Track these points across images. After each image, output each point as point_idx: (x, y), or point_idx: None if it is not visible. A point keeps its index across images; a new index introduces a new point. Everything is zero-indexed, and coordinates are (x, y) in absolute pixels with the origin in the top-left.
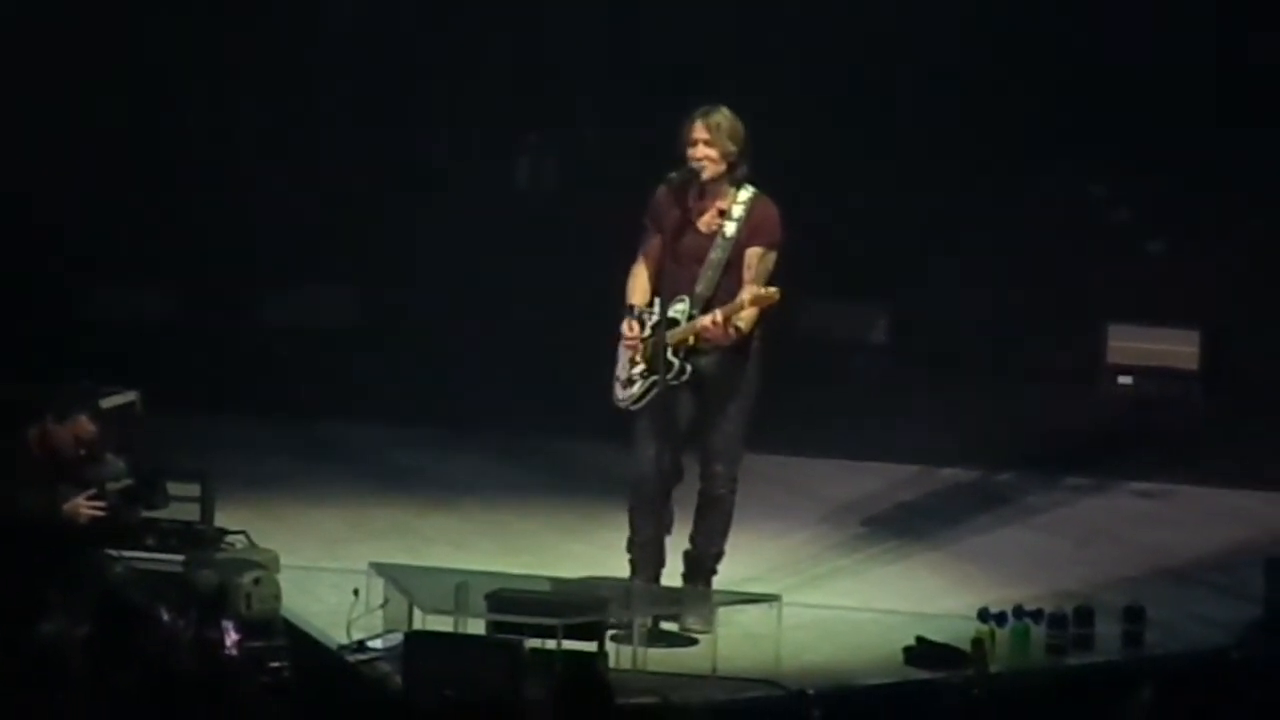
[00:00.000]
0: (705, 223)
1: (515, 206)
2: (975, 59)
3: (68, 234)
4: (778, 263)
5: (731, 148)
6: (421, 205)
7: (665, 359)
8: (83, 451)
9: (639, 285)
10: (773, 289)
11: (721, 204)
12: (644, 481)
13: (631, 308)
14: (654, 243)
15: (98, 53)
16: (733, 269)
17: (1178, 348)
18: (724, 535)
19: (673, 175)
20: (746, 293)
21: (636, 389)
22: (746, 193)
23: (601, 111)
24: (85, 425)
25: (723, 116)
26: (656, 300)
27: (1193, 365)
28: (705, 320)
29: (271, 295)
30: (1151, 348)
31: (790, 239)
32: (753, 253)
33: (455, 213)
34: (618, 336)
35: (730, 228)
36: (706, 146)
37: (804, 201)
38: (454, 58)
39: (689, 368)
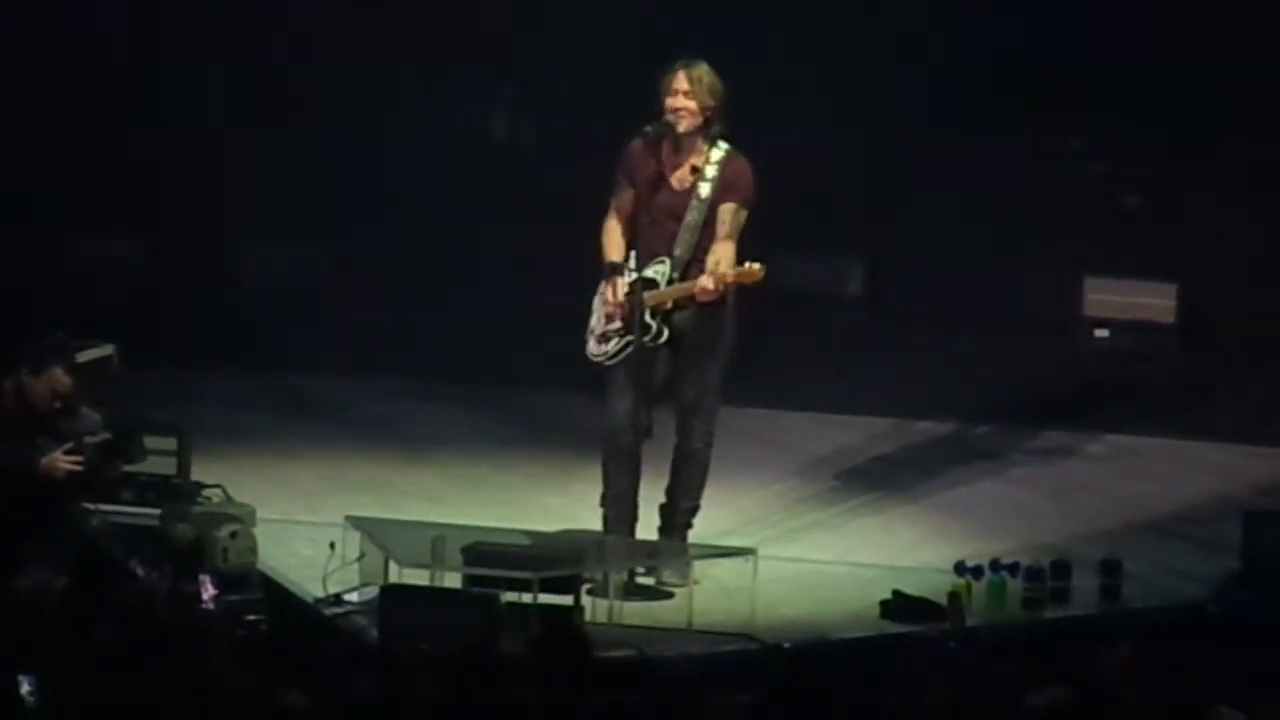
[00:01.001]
0: (679, 178)
1: (489, 157)
2: (954, 6)
3: (42, 186)
4: (749, 220)
5: (710, 102)
6: (394, 157)
7: (643, 320)
8: (58, 404)
9: (614, 240)
10: (756, 266)
11: (695, 160)
12: (618, 435)
13: (612, 265)
14: (626, 196)
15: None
16: (708, 228)
17: (1154, 300)
18: (700, 490)
19: (647, 129)
20: (723, 253)
21: (611, 345)
22: (720, 150)
23: (577, 63)
24: (60, 378)
25: (704, 71)
26: (633, 254)
27: (1169, 318)
28: (704, 282)
29: (244, 248)
30: (1128, 300)
31: (764, 191)
32: (726, 208)
33: (429, 164)
34: (592, 290)
35: (705, 188)
36: (686, 98)
37: (779, 153)
38: (429, 6)
39: (666, 330)
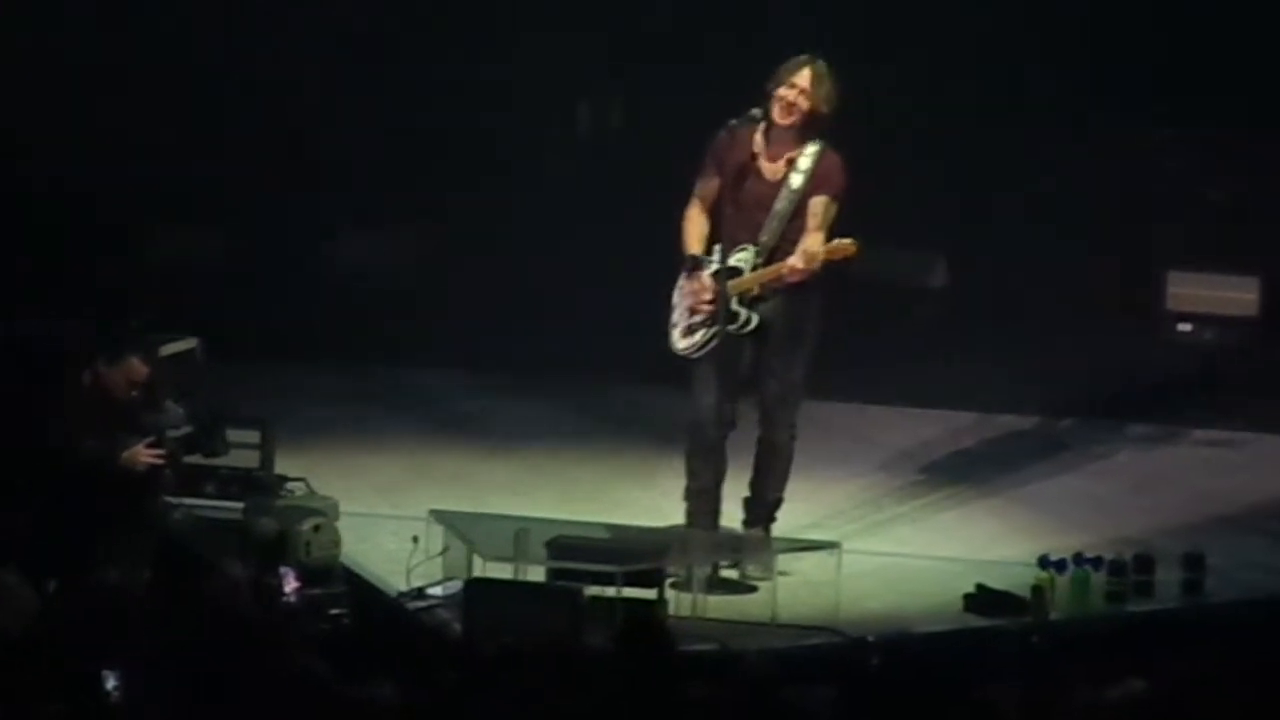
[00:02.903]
0: (771, 169)
1: (577, 149)
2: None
3: (128, 178)
4: (839, 213)
5: (823, 108)
6: (484, 148)
7: (729, 309)
8: (135, 393)
9: (696, 231)
10: (848, 241)
11: (790, 153)
12: (702, 428)
13: (694, 258)
14: (711, 185)
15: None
16: (797, 219)
17: (1237, 294)
18: (784, 481)
19: (733, 121)
20: (813, 241)
21: (699, 337)
22: (815, 145)
23: (660, 58)
24: (137, 367)
25: (827, 72)
26: (716, 247)
27: (1252, 312)
28: (794, 260)
29: (332, 240)
30: (1211, 294)
31: (852, 184)
32: (817, 201)
33: (518, 155)
34: (674, 282)
35: (797, 179)
36: (802, 96)
37: (863, 144)
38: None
39: (754, 318)
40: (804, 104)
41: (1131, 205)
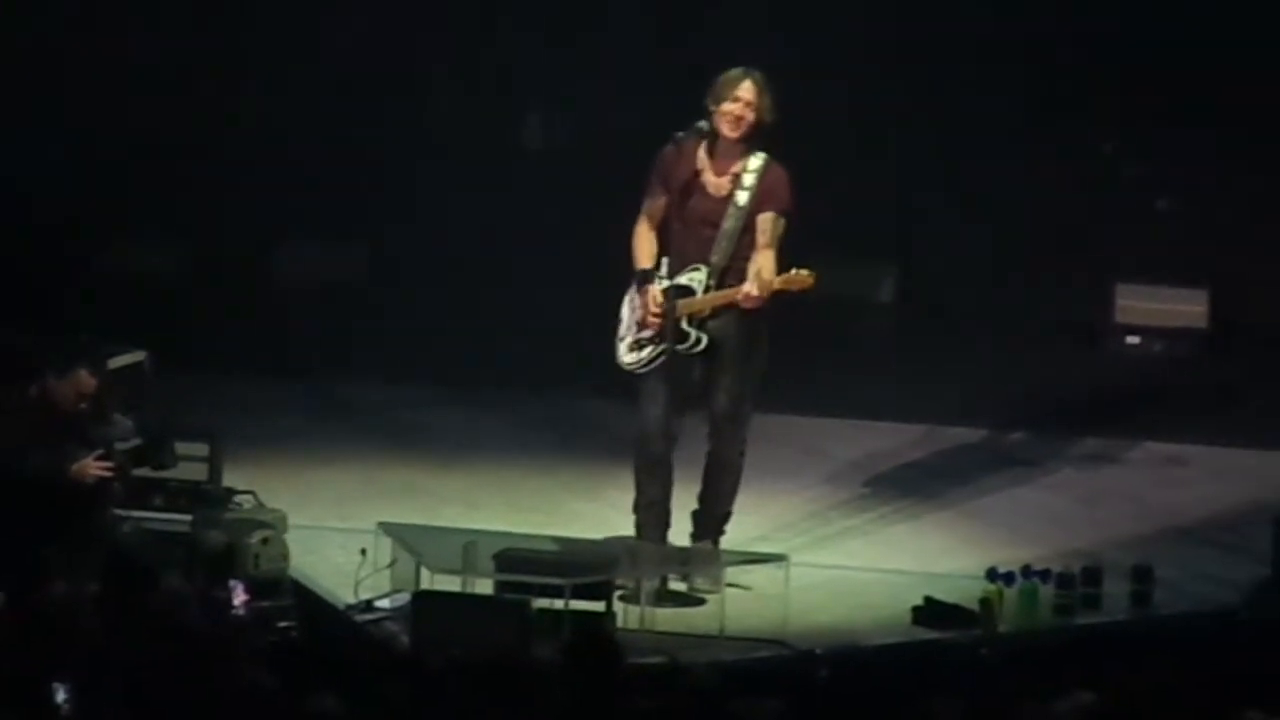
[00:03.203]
0: (716, 184)
1: (522, 162)
2: (983, 12)
3: (76, 192)
4: (787, 229)
5: (768, 117)
6: (428, 160)
7: (679, 328)
8: (83, 406)
9: (646, 247)
10: (805, 273)
11: (734, 168)
12: (650, 443)
13: (644, 272)
14: (659, 201)
15: (111, 8)
16: (746, 235)
17: (1186, 307)
18: (732, 496)
19: (679, 134)
20: (765, 263)
21: (645, 353)
22: (759, 159)
23: (608, 69)
24: (86, 379)
25: (765, 82)
26: (664, 260)
27: (1201, 324)
28: (748, 288)
29: (278, 252)
30: (1159, 307)
31: (799, 199)
32: (765, 218)
33: (462, 168)
34: (622, 295)
35: (743, 196)
36: (747, 107)
37: (810, 159)
38: (462, 10)
39: (703, 339)
40: (750, 116)
41: (1080, 217)
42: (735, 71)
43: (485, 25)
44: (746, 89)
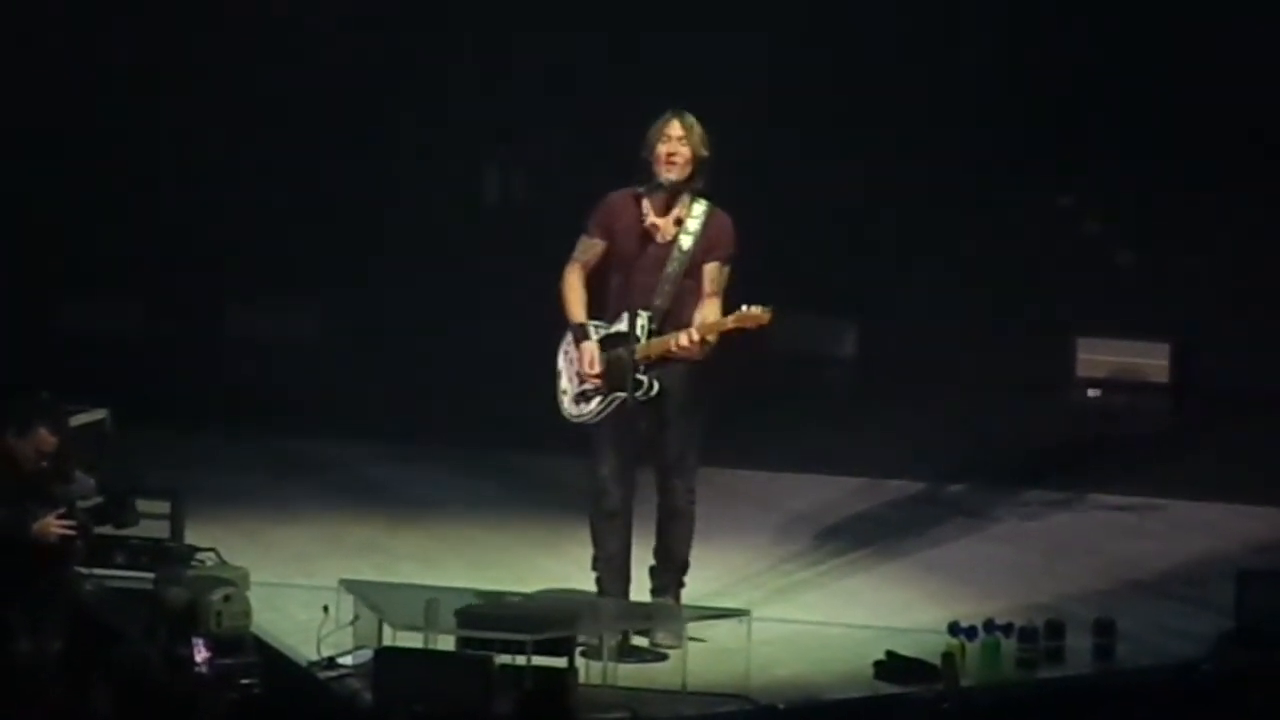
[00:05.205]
0: (663, 230)
1: (481, 219)
2: (944, 70)
3: (31, 250)
4: (732, 275)
5: (702, 152)
6: (388, 218)
7: (634, 377)
8: (45, 464)
9: (578, 297)
10: (758, 309)
11: (677, 212)
12: (604, 495)
13: (581, 327)
14: (595, 249)
15: (62, 64)
16: (688, 279)
17: (1147, 360)
18: (688, 546)
19: (640, 188)
20: (710, 311)
21: (595, 404)
22: (701, 205)
23: (565, 125)
24: (46, 438)
25: (694, 120)
26: (596, 321)
27: (1163, 378)
28: (683, 339)
29: (239, 310)
30: (1121, 360)
31: (756, 251)
32: (712, 268)
33: (421, 225)
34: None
35: (687, 241)
36: (680, 143)
37: (771, 214)
38: (420, 69)
39: (656, 385)
40: (685, 151)
41: (1041, 271)
42: (661, 117)
43: (448, 80)
44: (674, 127)
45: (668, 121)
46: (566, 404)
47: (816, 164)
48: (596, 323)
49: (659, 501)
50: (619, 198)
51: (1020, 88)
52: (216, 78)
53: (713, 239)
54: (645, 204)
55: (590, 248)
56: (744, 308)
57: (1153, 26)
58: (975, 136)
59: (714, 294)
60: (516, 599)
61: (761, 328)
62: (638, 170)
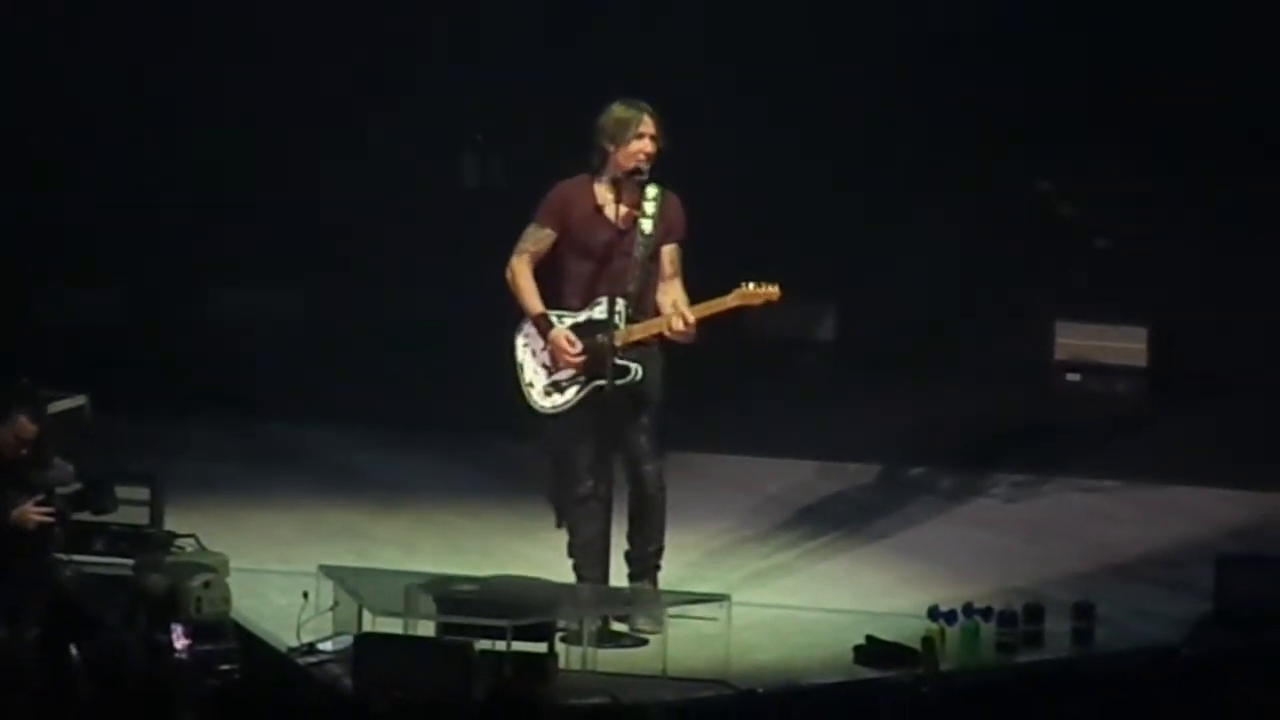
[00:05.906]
0: (623, 217)
1: (462, 205)
2: (918, 53)
3: (10, 235)
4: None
5: (662, 145)
6: (368, 204)
7: (614, 362)
8: (24, 451)
9: (532, 287)
10: (770, 287)
11: (633, 198)
12: (583, 481)
13: (544, 316)
14: (546, 239)
15: (37, 53)
16: (652, 264)
17: (1125, 344)
18: (661, 531)
19: (578, 178)
20: (682, 303)
21: (571, 393)
22: (654, 189)
23: (545, 111)
24: (26, 425)
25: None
26: (555, 301)
27: (1141, 362)
28: (677, 322)
29: (216, 296)
30: (1099, 345)
31: (735, 236)
32: (671, 249)
33: (402, 211)
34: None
35: (647, 225)
36: (654, 141)
37: (747, 198)
38: (400, 54)
39: (639, 369)
40: (655, 149)
41: (1019, 255)
42: (627, 111)
43: (422, 63)
44: (649, 124)
45: (639, 118)
46: (535, 396)
47: (796, 148)
48: (557, 312)
49: (631, 490)
50: (571, 186)
51: (997, 72)
52: (192, 64)
53: (671, 222)
54: (599, 191)
55: (542, 238)
56: (747, 285)
57: (1127, 13)
58: (954, 120)
59: (674, 275)
60: (496, 584)
61: (771, 304)
62: (593, 156)
